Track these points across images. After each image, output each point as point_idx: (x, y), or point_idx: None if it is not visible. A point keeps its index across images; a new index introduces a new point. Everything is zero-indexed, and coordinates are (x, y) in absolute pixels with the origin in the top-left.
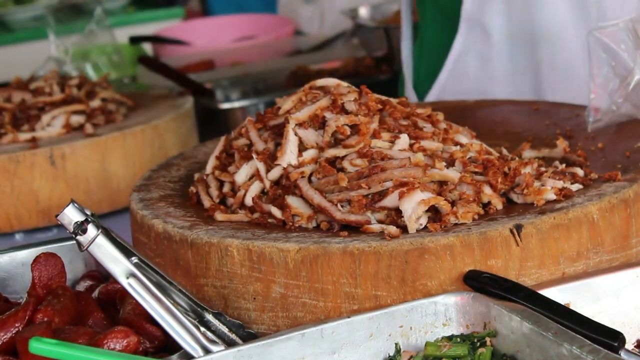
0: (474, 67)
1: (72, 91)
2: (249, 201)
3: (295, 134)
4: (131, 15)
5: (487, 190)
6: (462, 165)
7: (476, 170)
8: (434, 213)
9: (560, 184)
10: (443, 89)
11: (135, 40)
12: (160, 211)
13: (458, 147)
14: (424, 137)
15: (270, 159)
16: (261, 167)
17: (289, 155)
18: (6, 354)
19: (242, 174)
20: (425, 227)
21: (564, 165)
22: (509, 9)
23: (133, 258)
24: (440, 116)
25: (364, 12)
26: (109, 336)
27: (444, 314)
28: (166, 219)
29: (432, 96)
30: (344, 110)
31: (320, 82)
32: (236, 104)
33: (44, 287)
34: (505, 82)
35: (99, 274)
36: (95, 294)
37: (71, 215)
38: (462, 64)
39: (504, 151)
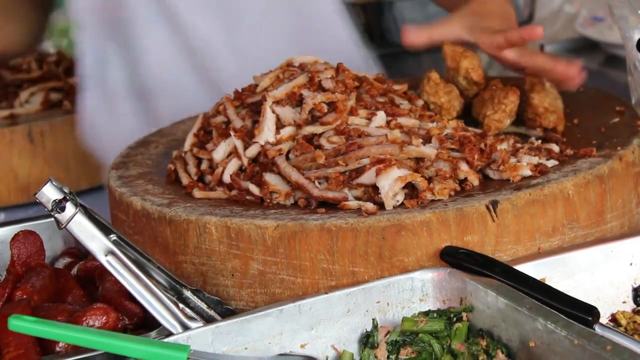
0: (106, 123)
1: (50, 68)
2: (227, 178)
3: (273, 112)
4: None
5: (463, 166)
6: (439, 142)
7: (453, 147)
8: (411, 190)
9: (535, 160)
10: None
11: None
12: (138, 188)
13: (435, 123)
14: (401, 114)
15: (248, 137)
16: (239, 144)
17: (267, 133)
18: None
19: (220, 152)
20: (402, 203)
21: (539, 141)
22: (126, 64)
23: (111, 235)
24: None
25: None
26: (87, 313)
27: (421, 289)
28: (144, 196)
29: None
30: (321, 88)
31: (298, 59)
32: None
33: (22, 265)
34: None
35: (78, 251)
36: (74, 271)
37: (49, 194)
38: (97, 119)
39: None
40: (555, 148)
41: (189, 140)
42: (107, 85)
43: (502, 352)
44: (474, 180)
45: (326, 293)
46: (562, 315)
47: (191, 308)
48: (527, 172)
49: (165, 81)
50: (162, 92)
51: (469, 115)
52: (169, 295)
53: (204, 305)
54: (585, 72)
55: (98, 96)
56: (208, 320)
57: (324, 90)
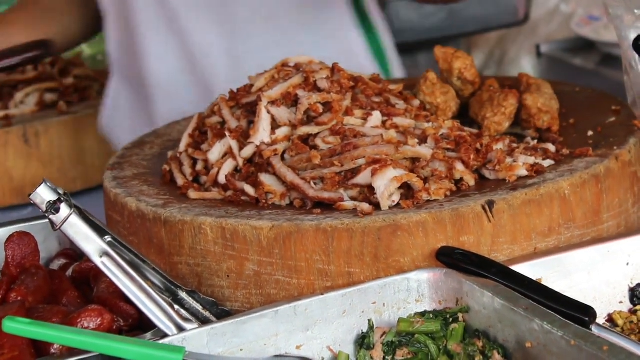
0: (124, 108)
1: (45, 68)
2: (222, 179)
3: (268, 112)
4: None
5: (459, 166)
6: (435, 142)
7: (448, 147)
8: (407, 190)
9: (532, 159)
10: (106, 123)
11: None
12: (133, 189)
13: (431, 123)
14: (397, 114)
15: (243, 137)
16: (234, 145)
17: (262, 133)
18: None
19: (215, 152)
20: (398, 204)
21: (535, 141)
22: (134, 59)
23: (106, 237)
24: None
25: None
26: (82, 315)
27: (417, 290)
28: (139, 197)
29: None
30: (316, 88)
31: (293, 59)
32: None
33: (17, 266)
34: (130, 128)
35: (73, 253)
36: (69, 272)
37: (44, 195)
38: (117, 102)
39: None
40: (552, 148)
41: (184, 140)
42: (126, 72)
43: (499, 353)
44: (470, 180)
45: (322, 294)
46: (558, 316)
47: (186, 309)
48: (523, 172)
49: (163, 82)
50: (161, 91)
51: (464, 116)
52: (164, 296)
53: (199, 307)
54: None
55: (120, 80)
56: (203, 321)
57: (319, 90)
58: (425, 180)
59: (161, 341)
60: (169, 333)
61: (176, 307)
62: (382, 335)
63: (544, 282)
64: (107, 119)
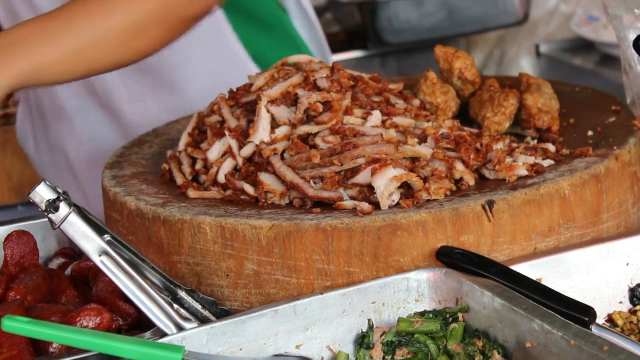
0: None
1: None
2: (221, 178)
3: (268, 111)
4: None
5: (459, 166)
6: (435, 141)
7: (448, 146)
8: (406, 189)
9: (531, 159)
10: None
11: None
12: (132, 188)
13: (430, 123)
14: (396, 114)
15: (243, 136)
16: (234, 144)
17: (261, 132)
18: None
19: (214, 151)
20: (398, 203)
21: (535, 141)
22: None
23: (105, 235)
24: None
25: None
26: (81, 314)
27: (417, 289)
28: (139, 196)
29: None
30: (316, 87)
31: (292, 58)
32: None
33: (16, 265)
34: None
35: (72, 252)
36: (68, 271)
37: (43, 194)
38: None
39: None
40: (551, 147)
41: (184, 139)
42: (29, 97)
43: (498, 353)
44: (470, 179)
45: (321, 293)
46: (558, 316)
47: (185, 309)
48: (523, 172)
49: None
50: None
51: (464, 115)
52: (163, 295)
53: (198, 306)
54: None
55: (25, 105)
56: (202, 320)
57: (319, 89)
58: (425, 179)
59: (160, 340)
60: (168, 332)
61: (175, 306)
62: (381, 335)
63: (543, 282)
64: (19, 130)
